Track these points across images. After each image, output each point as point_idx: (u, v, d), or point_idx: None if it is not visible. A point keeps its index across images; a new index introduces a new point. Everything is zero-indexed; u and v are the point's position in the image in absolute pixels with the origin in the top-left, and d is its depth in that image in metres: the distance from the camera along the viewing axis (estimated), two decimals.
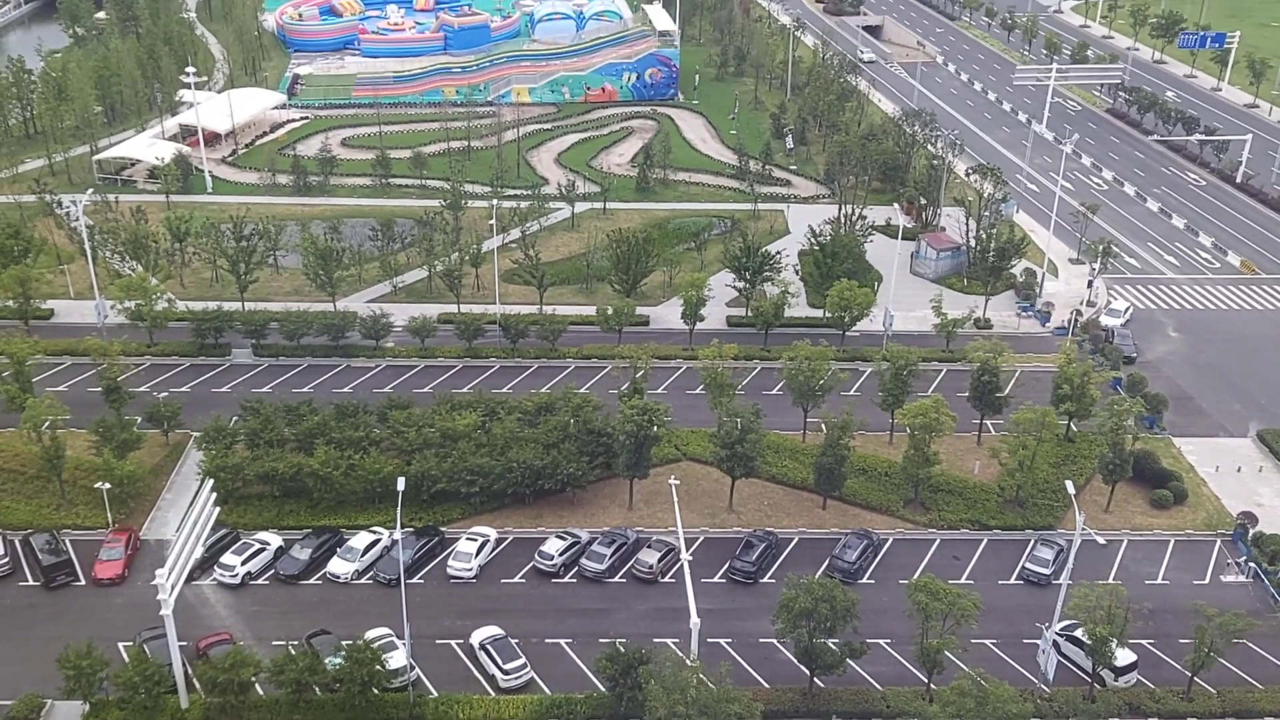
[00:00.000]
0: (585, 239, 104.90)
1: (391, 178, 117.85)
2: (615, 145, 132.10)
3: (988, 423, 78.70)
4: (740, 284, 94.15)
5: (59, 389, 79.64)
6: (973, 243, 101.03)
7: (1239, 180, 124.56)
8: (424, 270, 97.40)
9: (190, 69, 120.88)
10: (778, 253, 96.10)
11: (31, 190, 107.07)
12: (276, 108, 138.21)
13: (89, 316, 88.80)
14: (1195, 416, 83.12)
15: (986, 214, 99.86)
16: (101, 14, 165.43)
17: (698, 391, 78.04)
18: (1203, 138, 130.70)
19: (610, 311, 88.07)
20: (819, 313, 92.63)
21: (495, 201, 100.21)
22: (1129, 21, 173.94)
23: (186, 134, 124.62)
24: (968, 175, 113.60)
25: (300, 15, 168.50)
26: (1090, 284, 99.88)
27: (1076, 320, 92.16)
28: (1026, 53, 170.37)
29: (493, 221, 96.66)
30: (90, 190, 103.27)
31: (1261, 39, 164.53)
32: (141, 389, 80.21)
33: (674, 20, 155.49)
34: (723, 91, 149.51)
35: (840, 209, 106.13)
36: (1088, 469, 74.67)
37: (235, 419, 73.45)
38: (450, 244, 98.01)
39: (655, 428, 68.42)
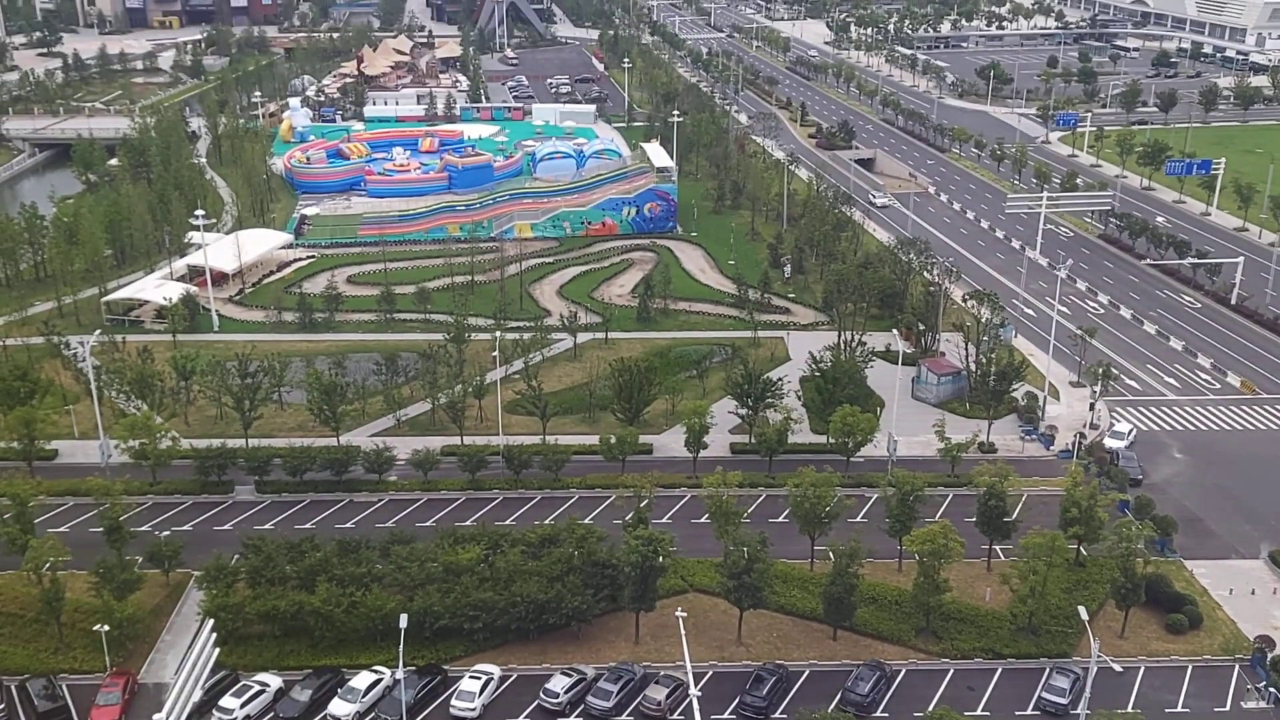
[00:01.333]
0: (587, 369, 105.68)
1: (396, 313, 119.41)
2: (616, 277, 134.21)
3: (996, 548, 77.91)
4: (743, 411, 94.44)
5: (61, 530, 79.23)
6: (973, 367, 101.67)
7: (1234, 302, 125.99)
8: (427, 403, 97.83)
9: (199, 212, 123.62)
10: (779, 379, 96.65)
11: (40, 332, 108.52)
12: (283, 247, 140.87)
13: (93, 456, 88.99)
14: (1205, 538, 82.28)
15: (985, 339, 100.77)
16: (114, 161, 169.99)
17: (703, 520, 77.41)
18: (1195, 261, 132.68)
19: (613, 440, 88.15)
20: (823, 439, 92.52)
21: (498, 334, 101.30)
22: (1116, 150, 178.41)
23: (194, 274, 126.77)
24: (965, 301, 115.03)
25: (308, 159, 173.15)
26: (1092, 406, 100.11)
27: (1080, 443, 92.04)
28: (1017, 182, 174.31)
29: (496, 353, 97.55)
30: (98, 331, 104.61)
31: (1246, 165, 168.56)
32: (143, 528, 79.66)
33: (671, 157, 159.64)
34: (720, 224, 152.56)
35: (840, 335, 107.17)
36: (1100, 594, 73.55)
37: (236, 557, 72.80)
38: (453, 376, 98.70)
39: (661, 558, 67.74)
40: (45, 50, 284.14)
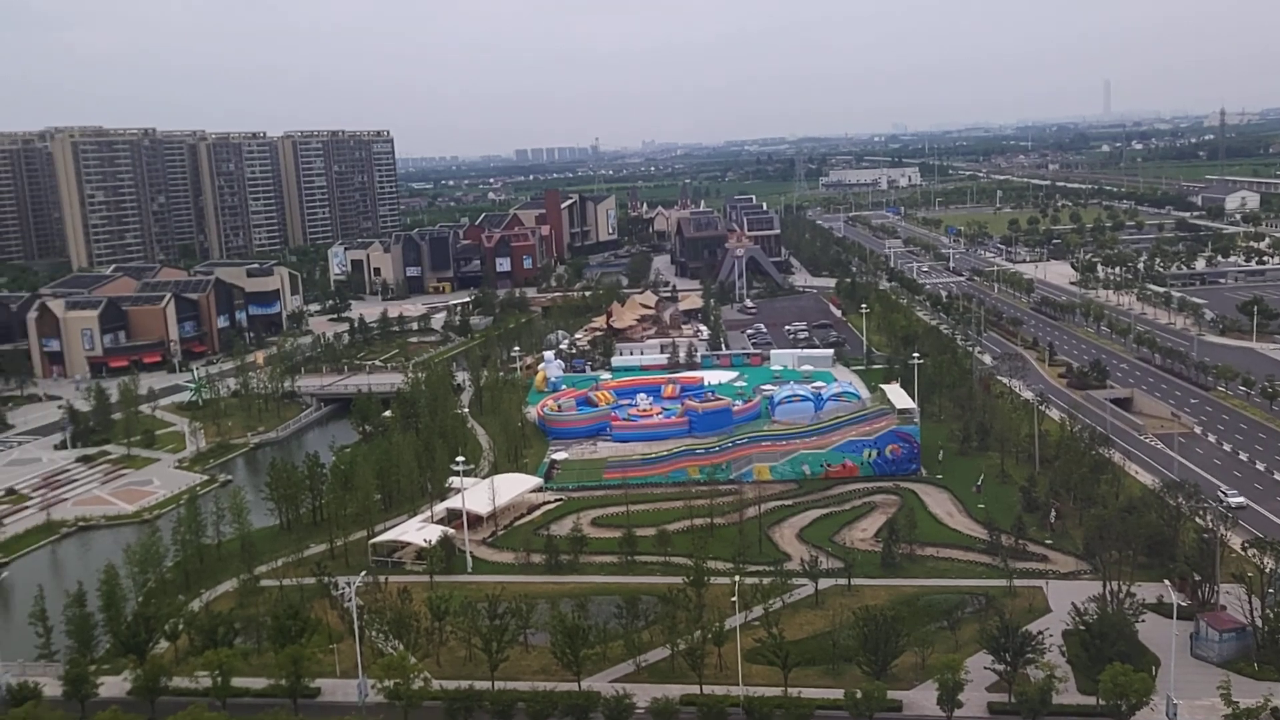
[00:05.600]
0: (830, 617, 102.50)
1: (637, 555, 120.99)
2: (858, 520, 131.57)
3: None
4: (1000, 666, 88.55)
5: None
6: (1259, 623, 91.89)
7: None
8: (667, 649, 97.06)
9: (460, 458, 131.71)
10: (1040, 632, 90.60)
11: (312, 573, 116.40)
12: (534, 491, 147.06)
13: (352, 695, 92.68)
14: None
15: (1271, 591, 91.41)
16: (388, 413, 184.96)
17: None
18: None
19: (859, 695, 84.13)
20: (1092, 700, 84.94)
21: (737, 578, 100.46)
22: None
23: (453, 517, 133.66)
24: (1245, 550, 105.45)
25: (559, 407, 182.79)
26: None
27: None
28: None
29: (735, 599, 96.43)
30: (364, 572, 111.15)
31: None
32: None
33: (913, 398, 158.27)
34: (967, 466, 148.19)
35: (1105, 586, 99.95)
36: None
37: None
38: (693, 622, 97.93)
39: None
40: (336, 316, 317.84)
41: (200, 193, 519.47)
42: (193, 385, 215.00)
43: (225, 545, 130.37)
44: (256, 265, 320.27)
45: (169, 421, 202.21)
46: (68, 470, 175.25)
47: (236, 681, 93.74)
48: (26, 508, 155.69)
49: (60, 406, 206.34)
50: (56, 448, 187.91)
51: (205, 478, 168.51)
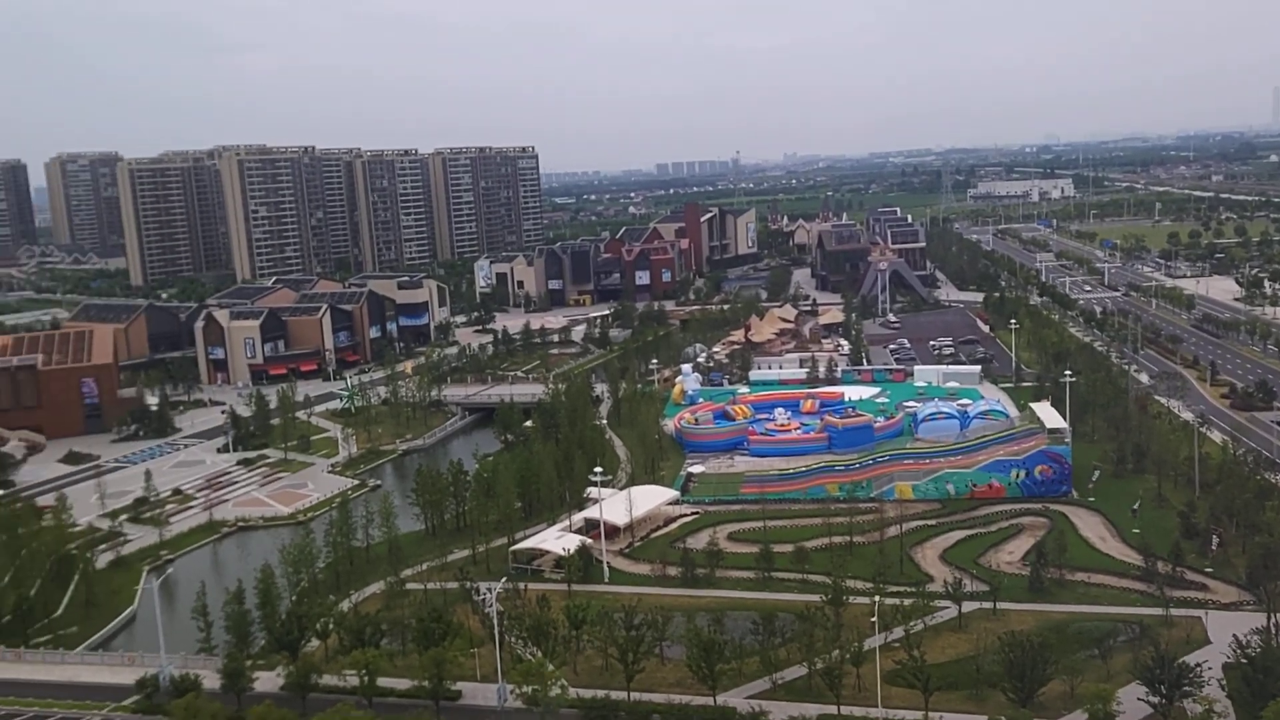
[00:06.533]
0: (974, 640, 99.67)
1: (774, 571, 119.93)
2: (1004, 542, 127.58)
3: None
4: (1155, 699, 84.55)
5: None
6: None
7: None
8: (803, 667, 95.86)
9: (598, 469, 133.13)
10: (1198, 665, 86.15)
11: (455, 578, 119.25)
12: (670, 503, 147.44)
13: (491, 699, 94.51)
14: None
15: None
16: (529, 422, 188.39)
17: None
18: None
19: None
20: None
21: (877, 598, 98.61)
22: None
23: (590, 527, 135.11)
24: None
25: (696, 420, 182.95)
26: None
27: None
28: None
29: (874, 619, 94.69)
30: (504, 579, 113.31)
31: None
32: None
33: (1064, 417, 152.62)
34: (1121, 489, 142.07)
35: (1270, 618, 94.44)
36: None
37: None
38: (830, 641, 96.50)
39: None
40: (481, 327, 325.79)
41: (355, 208, 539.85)
42: (346, 393, 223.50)
43: (374, 548, 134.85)
44: (407, 278, 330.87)
45: (323, 427, 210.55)
46: (229, 472, 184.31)
47: (382, 681, 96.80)
48: (191, 507, 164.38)
49: (223, 411, 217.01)
50: (219, 451, 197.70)
51: (356, 482, 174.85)
